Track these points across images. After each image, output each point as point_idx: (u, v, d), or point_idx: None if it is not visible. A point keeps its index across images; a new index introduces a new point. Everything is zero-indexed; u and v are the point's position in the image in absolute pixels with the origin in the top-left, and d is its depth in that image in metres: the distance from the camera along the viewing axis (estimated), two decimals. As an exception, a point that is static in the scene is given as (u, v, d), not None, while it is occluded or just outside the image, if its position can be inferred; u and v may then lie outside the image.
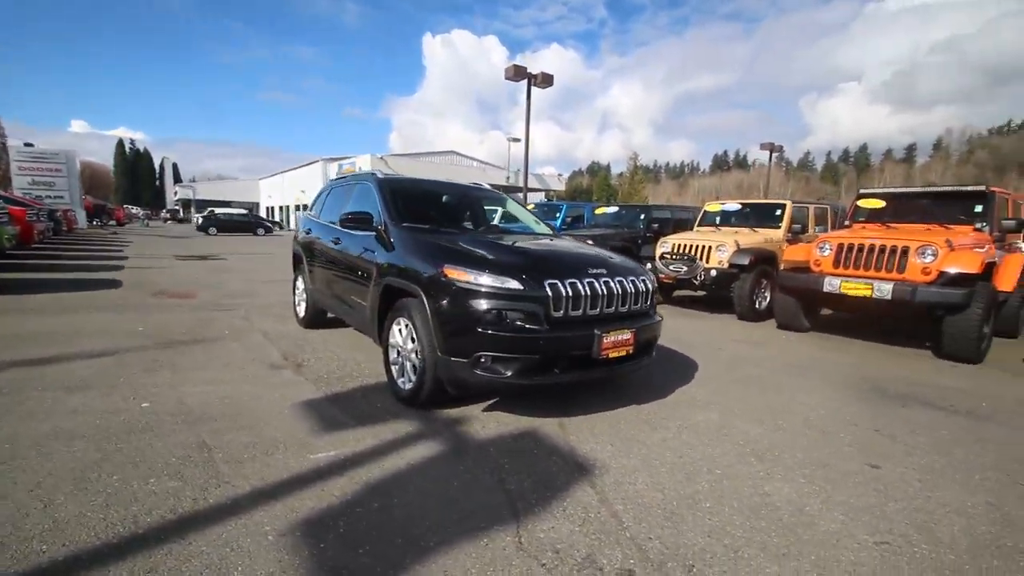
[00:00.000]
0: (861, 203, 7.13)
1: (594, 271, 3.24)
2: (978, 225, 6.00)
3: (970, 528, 2.26)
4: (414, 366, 3.32)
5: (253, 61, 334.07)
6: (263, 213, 53.22)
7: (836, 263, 6.02)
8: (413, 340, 3.32)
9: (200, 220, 31.46)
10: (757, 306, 7.41)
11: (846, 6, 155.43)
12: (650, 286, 3.47)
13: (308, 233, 5.43)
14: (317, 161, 39.76)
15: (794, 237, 8.05)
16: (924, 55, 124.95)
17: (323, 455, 2.66)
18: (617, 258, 3.66)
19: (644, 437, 3.08)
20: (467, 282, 2.98)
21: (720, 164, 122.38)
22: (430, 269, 3.17)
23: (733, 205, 8.92)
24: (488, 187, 5.40)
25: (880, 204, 6.94)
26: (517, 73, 17.41)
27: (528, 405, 3.44)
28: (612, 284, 3.21)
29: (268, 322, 5.91)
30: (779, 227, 8.12)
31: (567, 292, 3.01)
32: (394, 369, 3.57)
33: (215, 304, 6.90)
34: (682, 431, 3.19)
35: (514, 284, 2.94)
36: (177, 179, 70.90)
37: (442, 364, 3.06)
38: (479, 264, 3.06)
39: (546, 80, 18.05)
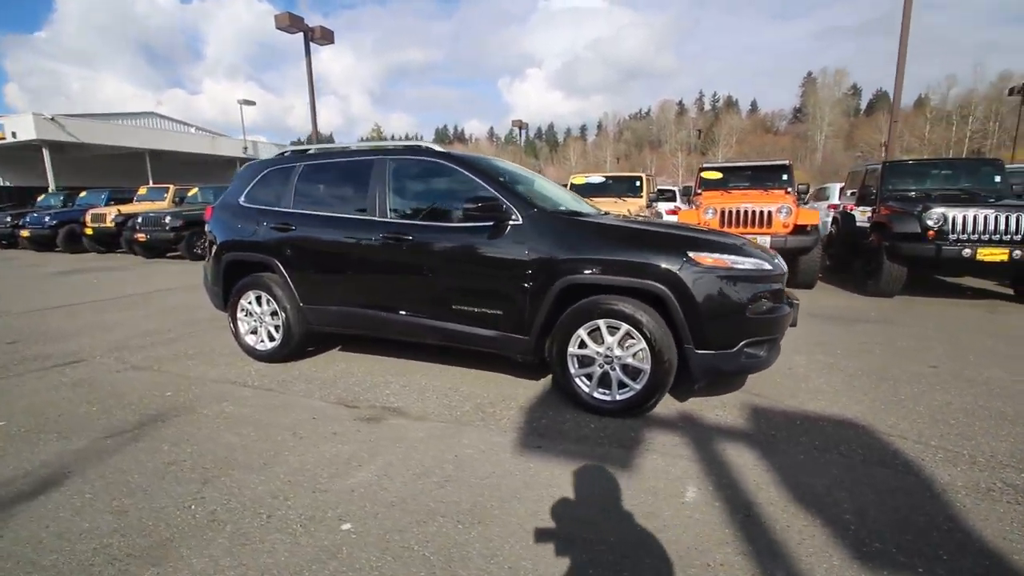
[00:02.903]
0: (704, 175, 8.98)
1: None
2: (789, 189, 8.36)
3: (1034, 389, 3.47)
4: (628, 369, 2.95)
5: None
6: None
7: (720, 224, 7.54)
8: (624, 344, 2.94)
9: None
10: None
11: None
12: None
13: (284, 230, 3.85)
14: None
15: (651, 204, 9.58)
16: (581, 50, 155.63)
17: (691, 494, 2.23)
18: None
19: (810, 385, 3.52)
20: (729, 269, 2.80)
21: (442, 138, 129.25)
22: (670, 259, 2.81)
23: (597, 178, 9.96)
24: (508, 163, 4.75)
25: (719, 175, 8.88)
26: (293, 24, 14.95)
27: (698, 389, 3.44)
28: (778, 259, 3.47)
29: (201, 366, 4.03)
30: (640, 196, 9.52)
31: (781, 268, 3.13)
32: (583, 382, 3.07)
33: (27, 360, 4.23)
34: (823, 376, 3.73)
35: (767, 265, 2.91)
36: None
37: (697, 359, 2.84)
38: (727, 249, 2.89)
39: (325, 36, 16.06)
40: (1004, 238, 5.84)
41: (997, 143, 57.00)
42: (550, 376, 3.69)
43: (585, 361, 3.07)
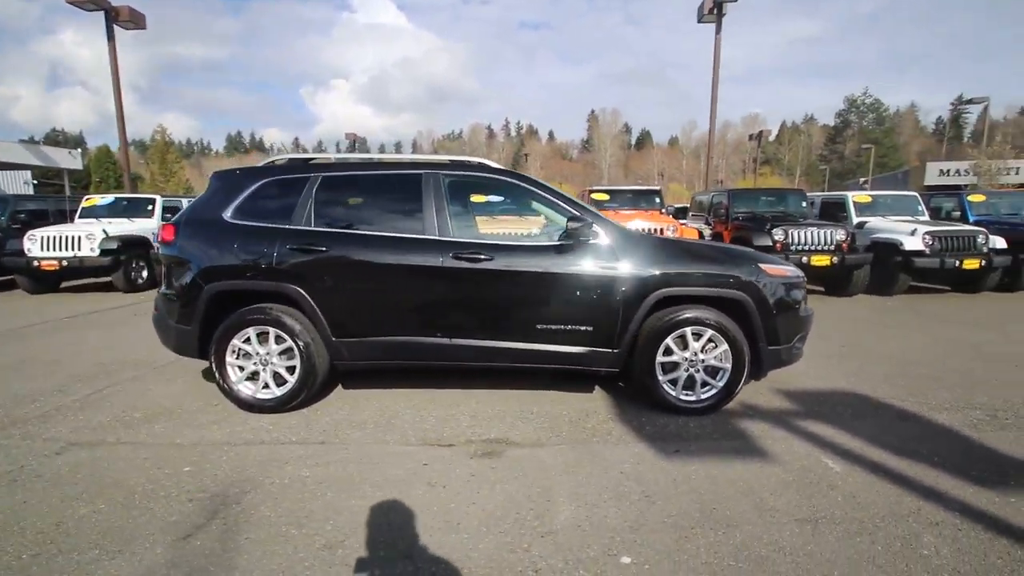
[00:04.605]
0: (594, 196, 10.01)
1: None
2: (663, 210, 9.84)
3: (974, 355, 4.82)
4: (708, 370, 3.31)
5: None
6: None
7: (622, 239, 8.55)
8: (705, 349, 3.29)
9: None
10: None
11: (325, 9, 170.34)
12: None
13: (311, 252, 3.24)
14: None
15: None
16: (390, 67, 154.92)
17: (836, 467, 2.65)
18: None
19: (797, 369, 4.35)
20: (787, 277, 3.34)
21: (236, 145, 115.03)
22: (747, 270, 3.24)
23: (497, 198, 10.23)
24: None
25: (606, 197, 9.99)
26: (91, 0, 11.95)
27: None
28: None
29: (183, 429, 3.13)
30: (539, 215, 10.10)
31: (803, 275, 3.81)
32: (670, 387, 3.32)
33: None
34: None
35: (800, 273, 3.53)
36: None
37: (768, 354, 3.32)
38: (779, 261, 3.44)
39: (134, 19, 13.34)
40: (825, 248, 7.90)
41: (726, 175, 75.02)
42: (597, 386, 3.84)
43: (668, 367, 3.33)
